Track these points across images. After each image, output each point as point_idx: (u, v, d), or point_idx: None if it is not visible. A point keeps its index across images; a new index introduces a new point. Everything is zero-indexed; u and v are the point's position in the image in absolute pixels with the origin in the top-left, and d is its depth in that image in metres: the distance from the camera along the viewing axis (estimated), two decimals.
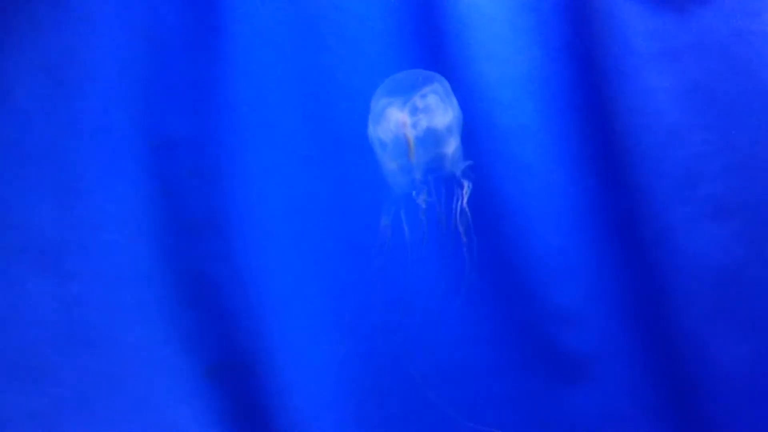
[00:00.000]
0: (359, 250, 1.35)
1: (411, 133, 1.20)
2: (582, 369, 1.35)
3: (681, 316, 1.30)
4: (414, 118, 1.20)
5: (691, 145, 1.26)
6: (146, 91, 1.30)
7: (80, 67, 1.27)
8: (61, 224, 1.26)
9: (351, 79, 1.33)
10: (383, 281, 1.34)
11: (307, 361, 1.33)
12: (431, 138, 1.21)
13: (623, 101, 1.26)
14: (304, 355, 1.32)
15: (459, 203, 1.23)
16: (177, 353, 1.30)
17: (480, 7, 1.28)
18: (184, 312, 1.30)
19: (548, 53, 1.30)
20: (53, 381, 1.24)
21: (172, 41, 1.30)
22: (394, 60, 1.33)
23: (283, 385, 1.30)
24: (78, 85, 1.27)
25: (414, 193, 1.23)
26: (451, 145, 1.22)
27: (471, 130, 1.26)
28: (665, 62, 1.25)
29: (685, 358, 1.31)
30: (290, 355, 1.31)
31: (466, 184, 1.22)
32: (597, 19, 1.26)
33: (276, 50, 1.32)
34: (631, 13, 1.24)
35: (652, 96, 1.25)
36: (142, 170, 1.30)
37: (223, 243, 1.31)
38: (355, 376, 1.35)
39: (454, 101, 1.22)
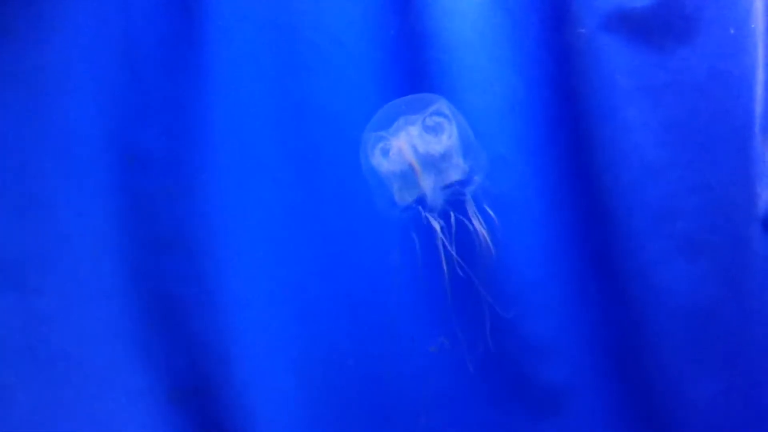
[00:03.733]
0: (332, 275, 1.34)
1: (414, 159, 1.19)
2: (555, 402, 1.33)
3: (654, 351, 1.30)
4: (416, 143, 1.20)
5: (668, 181, 1.27)
6: (120, 106, 1.28)
7: (53, 78, 1.25)
8: (25, 237, 1.23)
9: (329, 103, 1.33)
10: (357, 308, 1.33)
11: (275, 388, 1.30)
12: (437, 161, 1.21)
13: (602, 135, 1.27)
14: (271, 382, 1.30)
15: (471, 223, 1.23)
16: (140, 375, 1.26)
17: (462, 36, 1.29)
18: (149, 333, 1.27)
19: (529, 85, 1.30)
20: (8, 401, 1.20)
21: (149, 57, 1.29)
22: (374, 85, 1.33)
23: (249, 412, 1.27)
24: (50, 96, 1.25)
25: (424, 216, 1.23)
26: (460, 166, 1.22)
27: None
28: (644, 99, 1.26)
29: (657, 394, 1.31)
30: (257, 382, 1.28)
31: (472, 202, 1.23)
32: (578, 54, 1.27)
33: (254, 70, 1.31)
34: (612, 49, 1.25)
35: (630, 131, 1.26)
36: (112, 185, 1.28)
37: (192, 264, 1.28)
38: (323, 402, 1.32)
39: (459, 121, 1.22)
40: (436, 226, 1.24)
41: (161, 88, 1.29)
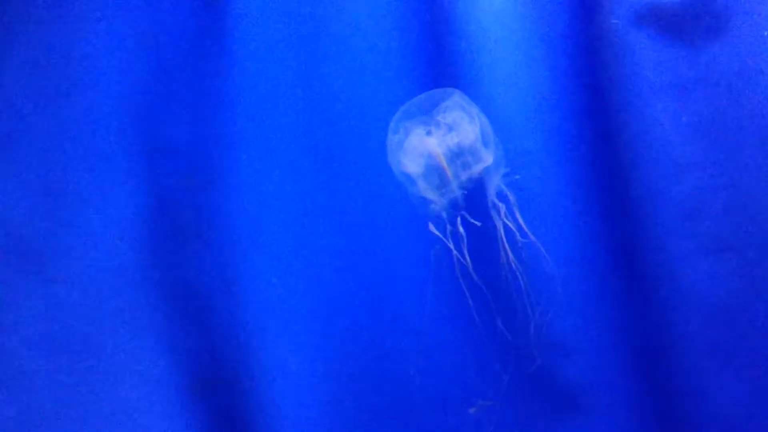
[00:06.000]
0: (353, 267, 1.33)
1: (441, 155, 1.18)
2: (577, 400, 1.32)
3: (678, 350, 1.28)
4: (441, 139, 1.19)
5: (696, 179, 1.25)
6: (144, 97, 1.29)
7: (78, 67, 1.26)
8: (48, 226, 1.24)
9: (353, 96, 1.32)
10: (378, 303, 1.32)
11: (293, 378, 1.30)
12: (458, 156, 1.20)
13: (630, 132, 1.25)
14: (291, 372, 1.29)
15: (504, 217, 1.22)
16: (160, 364, 1.27)
17: (489, 30, 1.28)
18: (169, 323, 1.28)
19: (556, 78, 1.29)
20: (27, 387, 1.21)
21: (173, 48, 1.29)
22: (398, 78, 1.33)
23: (267, 402, 1.27)
24: (74, 86, 1.26)
25: (447, 212, 1.22)
26: (482, 160, 1.21)
27: None
28: (673, 95, 1.24)
29: (680, 394, 1.29)
30: (277, 373, 1.28)
31: (511, 196, 1.22)
32: (607, 48, 1.25)
33: (278, 62, 1.31)
34: (642, 45, 1.24)
35: (658, 128, 1.24)
36: (135, 176, 1.28)
37: (214, 255, 1.29)
38: (342, 395, 1.32)
39: (478, 112, 1.21)
40: (459, 221, 1.23)
41: (185, 80, 1.29)
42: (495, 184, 1.23)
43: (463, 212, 1.23)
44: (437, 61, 1.31)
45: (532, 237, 1.24)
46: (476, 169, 1.21)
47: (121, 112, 1.28)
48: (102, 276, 1.25)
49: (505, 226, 1.23)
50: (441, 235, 1.23)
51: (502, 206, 1.23)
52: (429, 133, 1.20)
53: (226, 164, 1.30)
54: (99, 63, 1.27)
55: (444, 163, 1.20)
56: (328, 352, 1.31)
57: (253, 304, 1.29)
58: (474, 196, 1.24)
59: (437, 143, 1.19)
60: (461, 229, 1.23)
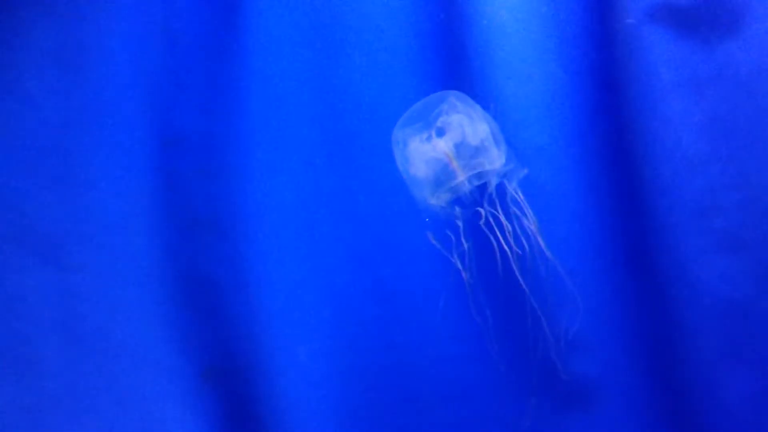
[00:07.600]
0: (364, 260, 1.34)
1: (445, 157, 1.19)
2: (586, 396, 1.32)
3: (689, 347, 1.28)
4: (442, 142, 1.19)
5: (709, 176, 1.25)
6: (159, 87, 1.29)
7: (93, 58, 1.27)
8: (63, 216, 1.25)
9: (366, 89, 1.33)
10: (387, 295, 1.32)
11: (304, 369, 1.31)
12: (467, 156, 1.20)
13: (643, 128, 1.25)
14: (301, 363, 1.31)
15: (514, 213, 1.22)
16: (172, 354, 1.28)
17: (502, 25, 1.28)
18: (182, 312, 1.29)
19: (570, 75, 1.29)
20: (41, 374, 1.22)
21: (188, 38, 1.30)
22: (412, 74, 1.33)
23: (278, 393, 1.29)
24: (89, 76, 1.27)
25: (456, 207, 1.23)
26: (494, 155, 1.21)
27: None
28: (687, 92, 1.24)
29: (689, 391, 1.29)
30: (287, 363, 1.29)
31: (519, 193, 1.22)
32: (620, 45, 1.25)
33: (292, 53, 1.32)
34: (655, 41, 1.23)
35: (672, 125, 1.24)
36: (149, 166, 1.29)
37: (226, 245, 1.30)
38: (352, 387, 1.33)
39: (480, 111, 1.21)
40: (469, 219, 1.23)
41: (200, 71, 1.30)
42: (503, 181, 1.23)
43: (472, 210, 1.23)
44: (451, 58, 1.31)
45: (542, 234, 1.24)
46: (482, 168, 1.21)
47: (136, 103, 1.28)
48: (116, 265, 1.27)
49: (516, 222, 1.23)
50: (439, 245, 1.23)
51: (511, 204, 1.23)
52: (429, 138, 1.20)
53: (240, 156, 1.30)
54: (114, 54, 1.27)
55: (451, 164, 1.20)
56: (338, 344, 1.32)
57: (265, 294, 1.30)
58: (483, 194, 1.24)
59: (439, 147, 1.20)
60: (463, 227, 1.23)
